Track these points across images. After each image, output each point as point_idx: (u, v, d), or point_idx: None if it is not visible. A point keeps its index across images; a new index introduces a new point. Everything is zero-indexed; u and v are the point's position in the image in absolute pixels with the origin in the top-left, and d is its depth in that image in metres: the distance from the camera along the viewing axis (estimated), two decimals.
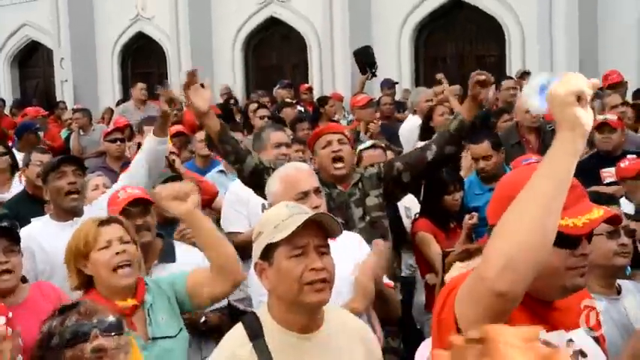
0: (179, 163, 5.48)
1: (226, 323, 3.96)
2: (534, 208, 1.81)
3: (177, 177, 5.21)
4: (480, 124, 8.98)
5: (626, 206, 5.01)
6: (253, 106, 9.48)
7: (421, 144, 7.67)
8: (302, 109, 11.41)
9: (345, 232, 3.82)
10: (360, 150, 5.86)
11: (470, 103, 4.57)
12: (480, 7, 15.21)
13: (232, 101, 13.88)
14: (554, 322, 2.10)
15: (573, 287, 2.15)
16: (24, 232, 4.30)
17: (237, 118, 12.23)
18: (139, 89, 12.46)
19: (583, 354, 2.15)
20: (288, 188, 3.62)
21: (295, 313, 2.59)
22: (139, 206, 4.05)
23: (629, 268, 3.68)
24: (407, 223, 5.78)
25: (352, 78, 15.25)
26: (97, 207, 4.53)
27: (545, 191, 1.82)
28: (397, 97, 12.73)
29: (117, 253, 3.31)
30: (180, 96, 4.76)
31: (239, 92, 17.73)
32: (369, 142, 6.35)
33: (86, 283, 3.39)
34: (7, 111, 15.64)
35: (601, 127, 6.39)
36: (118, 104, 14.67)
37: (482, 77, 4.43)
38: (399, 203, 5.41)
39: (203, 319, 3.96)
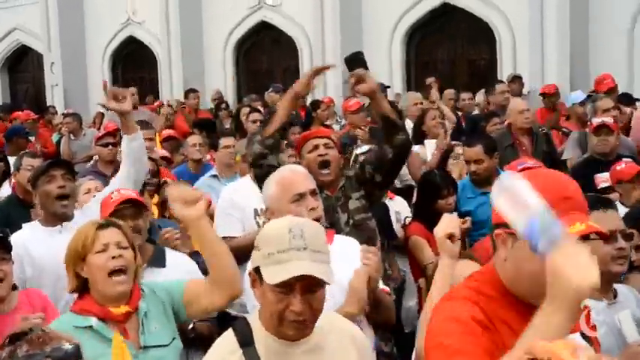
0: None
1: (216, 331, 3.94)
2: None
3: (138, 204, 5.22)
4: (471, 128, 9.03)
5: (620, 209, 5.01)
6: (246, 110, 9.46)
7: (414, 147, 7.73)
8: (294, 112, 11.39)
9: (343, 237, 3.83)
10: (357, 154, 5.86)
11: (372, 102, 4.75)
12: (471, 11, 15.23)
13: (223, 105, 13.87)
14: None
15: None
16: (12, 238, 4.28)
17: (228, 122, 12.22)
18: (130, 91, 12.40)
19: None
20: (284, 191, 3.59)
21: (281, 333, 2.55)
22: (132, 208, 4.03)
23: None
24: (397, 227, 5.77)
25: (343, 82, 15.23)
26: (87, 211, 4.50)
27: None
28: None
29: (113, 258, 3.28)
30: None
31: (230, 97, 17.70)
32: (365, 147, 6.35)
33: (82, 286, 3.36)
34: None
35: (598, 129, 6.38)
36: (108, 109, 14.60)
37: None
38: (389, 207, 5.39)
39: (191, 325, 3.92)
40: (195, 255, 4.27)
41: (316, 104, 10.88)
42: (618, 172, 5.54)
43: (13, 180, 6.52)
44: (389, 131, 4.59)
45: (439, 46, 16.15)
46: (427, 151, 7.46)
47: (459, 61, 15.77)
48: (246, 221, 4.99)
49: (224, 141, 6.93)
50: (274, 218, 2.99)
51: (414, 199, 5.93)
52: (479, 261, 3.29)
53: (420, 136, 7.82)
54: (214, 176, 6.83)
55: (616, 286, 3.36)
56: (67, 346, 2.41)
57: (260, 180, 4.60)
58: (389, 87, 13.77)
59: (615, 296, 3.30)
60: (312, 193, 3.68)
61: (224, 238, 4.97)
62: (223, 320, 4.09)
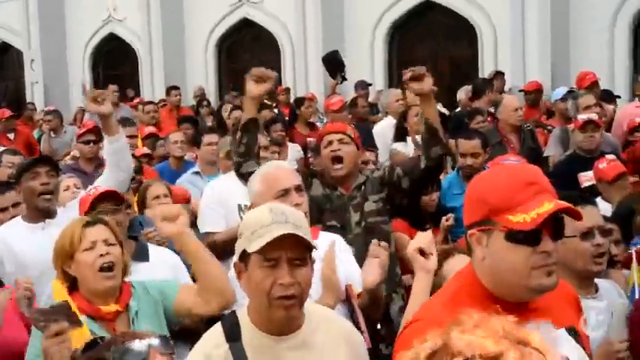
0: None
1: (202, 327, 3.94)
2: None
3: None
4: (454, 125, 9.05)
5: (602, 206, 5.02)
6: (228, 107, 9.44)
7: (396, 145, 7.74)
8: (276, 110, 11.39)
9: (327, 234, 3.82)
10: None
11: (422, 101, 4.58)
12: (452, 9, 15.26)
13: (205, 103, 13.83)
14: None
15: (539, 287, 2.12)
16: None
17: (210, 120, 12.20)
18: (110, 91, 12.37)
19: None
20: (268, 186, 3.58)
21: (270, 320, 2.56)
22: (111, 203, 4.05)
23: None
24: None
25: (325, 79, 15.23)
26: (71, 209, 4.49)
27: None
28: (370, 99, 12.73)
29: (101, 255, 3.28)
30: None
31: (211, 94, 17.65)
32: None
33: (71, 284, 3.34)
34: None
35: (584, 126, 6.41)
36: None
37: (409, 74, 4.41)
38: None
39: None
40: None
41: (300, 101, 10.87)
42: (600, 171, 5.53)
43: None
44: (429, 141, 4.51)
45: (421, 44, 16.16)
46: (410, 148, 7.47)
47: (441, 58, 15.79)
48: (230, 217, 4.98)
49: (207, 138, 6.92)
50: None
51: None
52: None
53: (402, 134, 7.84)
54: (197, 173, 6.82)
55: (597, 280, 3.36)
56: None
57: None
58: (370, 85, 13.78)
59: (596, 291, 3.30)
60: (297, 189, 3.67)
61: (207, 233, 5.01)
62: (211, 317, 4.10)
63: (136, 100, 13.84)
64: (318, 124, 10.64)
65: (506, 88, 12.08)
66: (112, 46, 20.39)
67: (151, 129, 9.86)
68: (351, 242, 4.29)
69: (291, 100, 12.90)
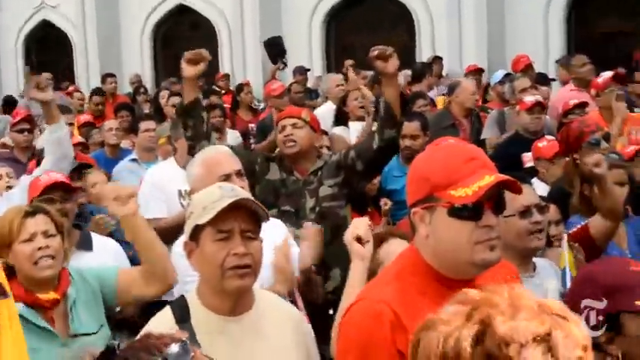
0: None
1: (137, 313, 3.94)
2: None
3: (87, 165, 5.14)
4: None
5: (539, 186, 5.09)
6: (165, 93, 9.33)
7: (336, 129, 7.73)
8: (218, 97, 11.30)
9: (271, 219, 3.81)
10: None
11: (385, 81, 4.58)
12: None
13: (142, 90, 13.66)
14: None
15: (483, 262, 2.13)
16: None
17: (147, 107, 12.04)
18: (44, 79, 12.08)
19: None
20: (208, 172, 3.55)
21: (220, 296, 2.55)
22: (60, 191, 4.02)
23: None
24: None
25: (263, 66, 15.17)
26: (11, 197, 4.42)
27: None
28: (309, 84, 12.72)
29: (39, 248, 3.23)
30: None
31: (148, 81, 17.42)
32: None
33: (9, 271, 3.27)
34: None
35: (532, 108, 6.49)
36: (22, 95, 14.25)
37: (376, 52, 4.42)
38: None
39: (118, 308, 3.88)
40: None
41: (241, 88, 10.81)
42: (540, 149, 5.61)
43: None
44: (385, 121, 4.51)
45: (358, 29, 16.18)
46: (350, 133, 7.47)
47: (378, 44, 15.79)
48: (170, 203, 4.95)
49: (144, 125, 6.83)
50: None
51: None
52: (409, 238, 3.30)
53: (342, 118, 7.83)
54: (134, 160, 6.74)
55: (535, 260, 3.41)
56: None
57: None
58: (309, 70, 13.76)
59: (534, 269, 3.35)
60: (238, 173, 3.66)
61: (149, 220, 4.94)
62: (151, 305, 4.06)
63: (71, 88, 13.56)
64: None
65: (443, 72, 12.18)
66: (46, 33, 19.96)
67: (86, 117, 9.74)
68: None
69: (231, 87, 12.85)
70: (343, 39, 16.45)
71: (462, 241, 2.08)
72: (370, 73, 11.48)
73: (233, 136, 8.55)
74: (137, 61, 18.07)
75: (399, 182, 5.69)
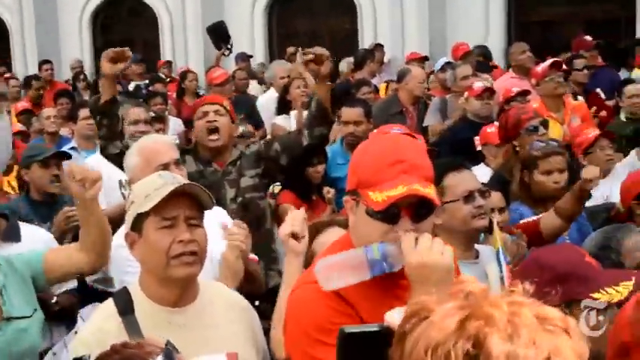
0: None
1: (76, 302, 3.86)
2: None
3: (64, 154, 5.03)
4: (336, 95, 9.08)
5: (485, 171, 5.14)
6: None
7: (278, 118, 7.70)
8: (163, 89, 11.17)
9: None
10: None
11: (319, 82, 4.61)
12: None
13: (82, 77, 13.43)
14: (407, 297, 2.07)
15: None
16: None
17: (87, 94, 11.86)
18: None
19: None
20: (147, 161, 3.52)
21: (166, 286, 2.51)
22: None
23: (482, 234, 3.77)
24: None
25: (205, 53, 15.05)
26: None
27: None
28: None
29: None
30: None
31: (88, 69, 17.15)
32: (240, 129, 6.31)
33: None
34: None
35: (481, 93, 6.56)
36: None
37: (311, 56, 4.44)
38: None
39: (54, 299, 3.81)
40: None
41: (185, 75, 10.71)
42: (488, 134, 5.62)
43: None
44: (316, 120, 4.53)
45: (301, 17, 16.16)
46: (292, 121, 7.44)
47: (321, 31, 15.83)
48: (111, 192, 4.86)
49: (83, 112, 6.67)
50: None
51: None
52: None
53: (284, 107, 7.80)
54: (73, 148, 6.60)
55: (477, 246, 3.45)
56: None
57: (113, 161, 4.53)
58: (251, 57, 13.69)
59: (477, 256, 3.39)
60: (176, 162, 3.63)
61: None
62: (84, 293, 4.01)
63: (7, 75, 13.29)
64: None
65: (385, 59, 12.21)
66: None
67: (24, 104, 9.57)
68: None
69: (173, 74, 12.74)
70: (286, 25, 16.40)
71: (374, 240, 2.09)
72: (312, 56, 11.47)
73: (176, 124, 8.46)
74: (76, 48, 17.77)
75: (342, 170, 5.66)
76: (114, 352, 1.79)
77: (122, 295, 2.55)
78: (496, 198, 4.07)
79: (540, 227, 4.11)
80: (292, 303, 2.24)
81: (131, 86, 11.11)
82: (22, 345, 3.19)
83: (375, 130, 5.86)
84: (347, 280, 2.03)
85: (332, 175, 5.72)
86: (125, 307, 2.49)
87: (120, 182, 4.79)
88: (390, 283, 2.13)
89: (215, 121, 4.46)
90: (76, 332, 3.34)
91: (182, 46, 16.45)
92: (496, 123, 5.77)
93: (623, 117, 7.15)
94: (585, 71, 8.30)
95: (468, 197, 3.28)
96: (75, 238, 4.38)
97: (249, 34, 16.04)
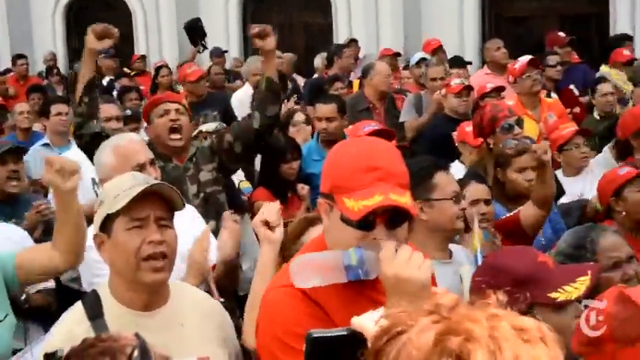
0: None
1: (52, 301, 3.85)
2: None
3: (20, 149, 4.95)
4: (311, 90, 9.08)
5: (459, 168, 5.15)
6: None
7: None
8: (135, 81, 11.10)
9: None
10: (202, 131, 5.78)
11: (265, 59, 4.53)
12: None
13: (55, 71, 13.32)
14: (381, 300, 2.05)
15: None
16: None
17: (60, 89, 11.78)
18: None
19: None
20: (123, 161, 3.48)
21: (134, 290, 2.48)
22: None
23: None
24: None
25: (180, 47, 14.96)
26: None
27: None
28: (227, 66, 12.61)
29: None
30: None
31: (61, 62, 17.00)
32: (212, 125, 6.27)
33: None
34: None
35: (460, 91, 6.58)
36: None
37: (256, 30, 4.39)
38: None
39: (23, 296, 3.76)
40: None
41: (158, 70, 10.62)
42: (466, 132, 5.59)
43: None
44: (267, 98, 4.44)
45: (276, 12, 16.11)
46: None
47: (295, 26, 15.80)
48: (84, 190, 4.80)
49: (55, 107, 6.62)
50: None
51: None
52: None
53: None
54: (46, 145, 6.54)
55: (451, 246, 3.47)
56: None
57: (85, 150, 4.44)
58: (226, 51, 13.63)
59: (450, 256, 3.40)
60: (152, 162, 3.61)
61: None
62: (60, 292, 3.97)
63: None
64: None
65: (360, 55, 12.21)
66: None
67: None
68: None
69: (147, 69, 12.65)
70: (261, 20, 16.30)
71: (350, 246, 2.07)
72: (290, 55, 11.48)
73: None
74: (49, 42, 17.59)
75: (317, 166, 5.66)
76: (89, 347, 1.82)
77: (91, 298, 2.52)
78: (482, 189, 4.10)
79: (521, 220, 4.13)
80: (265, 305, 2.22)
81: (105, 81, 11.04)
82: None
83: (350, 127, 5.88)
84: (321, 280, 2.02)
85: (307, 170, 5.72)
86: (94, 311, 2.45)
87: (93, 180, 4.74)
88: (365, 287, 2.12)
89: (178, 119, 4.44)
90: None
91: (156, 40, 16.34)
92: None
93: (596, 115, 7.20)
94: (559, 68, 8.33)
95: (457, 198, 3.34)
96: (45, 232, 4.34)
97: (224, 27, 15.96)
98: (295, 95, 8.51)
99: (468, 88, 6.72)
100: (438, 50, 10.01)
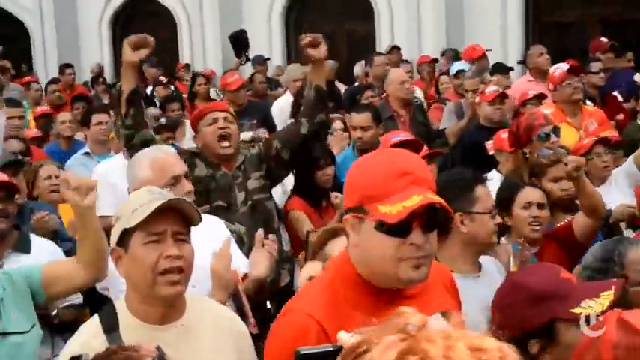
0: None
1: (81, 314, 3.91)
2: None
3: (18, 162, 5.02)
4: (348, 99, 9.06)
5: (494, 176, 5.09)
6: None
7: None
8: (172, 87, 11.20)
9: (207, 216, 3.76)
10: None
11: (313, 68, 4.63)
12: None
13: (101, 80, 13.49)
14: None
15: (407, 279, 2.11)
16: None
17: (106, 97, 11.91)
18: None
19: None
20: (160, 174, 3.47)
21: (150, 304, 2.50)
22: (2, 191, 3.87)
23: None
24: (284, 199, 5.73)
25: (223, 54, 15.07)
26: None
27: None
28: (269, 74, 12.66)
29: None
30: None
31: (107, 72, 17.23)
32: (249, 134, 6.32)
33: None
34: None
35: (493, 99, 6.51)
36: None
37: (307, 40, 4.47)
38: None
39: (55, 312, 3.84)
40: None
41: (194, 78, 10.69)
42: (502, 140, 5.48)
43: None
44: (315, 105, 4.55)
45: (317, 20, 16.14)
46: None
47: (338, 33, 15.82)
48: (119, 200, 4.85)
49: (96, 117, 6.72)
50: None
51: None
52: None
53: (299, 110, 7.79)
54: (87, 154, 6.64)
55: (480, 258, 3.44)
56: None
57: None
58: (269, 59, 13.70)
59: (480, 269, 3.38)
60: (186, 175, 3.62)
61: (101, 217, 4.85)
62: (92, 299, 4.02)
63: (26, 78, 13.35)
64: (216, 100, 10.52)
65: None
66: (2, 22, 19.63)
67: (43, 108, 9.58)
68: (239, 221, 4.29)
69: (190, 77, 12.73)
70: (304, 27, 16.39)
71: (387, 256, 2.06)
72: (331, 62, 11.47)
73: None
74: (96, 51, 17.86)
75: None
76: (112, 353, 1.89)
77: (107, 311, 2.55)
78: (536, 193, 4.09)
79: (575, 231, 4.12)
80: (274, 328, 2.21)
81: (148, 90, 11.15)
82: None
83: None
84: None
85: (343, 180, 5.70)
86: (110, 324, 2.48)
87: (129, 190, 4.78)
88: (394, 299, 2.09)
89: (227, 128, 4.48)
90: None
91: (200, 48, 16.47)
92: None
93: (639, 121, 7.07)
94: (601, 74, 8.22)
95: (493, 213, 3.35)
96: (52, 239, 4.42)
97: (267, 35, 16.04)
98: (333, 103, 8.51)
99: (502, 96, 6.64)
100: (481, 57, 9.89)
